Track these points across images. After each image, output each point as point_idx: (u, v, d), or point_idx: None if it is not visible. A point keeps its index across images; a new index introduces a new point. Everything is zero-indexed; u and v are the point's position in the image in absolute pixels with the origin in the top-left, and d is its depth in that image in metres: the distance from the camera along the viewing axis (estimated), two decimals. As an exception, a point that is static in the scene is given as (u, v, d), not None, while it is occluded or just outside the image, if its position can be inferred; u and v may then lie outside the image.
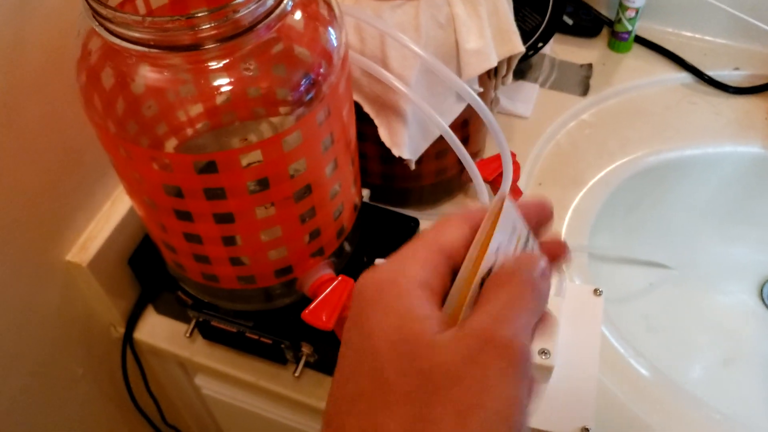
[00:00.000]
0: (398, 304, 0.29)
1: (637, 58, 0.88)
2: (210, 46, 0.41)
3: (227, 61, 0.43)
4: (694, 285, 0.84)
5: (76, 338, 0.66)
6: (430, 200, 0.73)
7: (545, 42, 0.81)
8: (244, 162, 0.44)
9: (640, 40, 0.89)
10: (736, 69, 0.86)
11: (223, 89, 0.44)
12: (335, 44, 0.48)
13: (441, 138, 0.62)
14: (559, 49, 0.89)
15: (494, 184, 0.66)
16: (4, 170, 0.52)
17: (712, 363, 0.80)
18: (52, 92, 0.53)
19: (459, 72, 0.57)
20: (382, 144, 0.60)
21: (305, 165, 0.47)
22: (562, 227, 0.73)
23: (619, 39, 0.88)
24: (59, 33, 0.52)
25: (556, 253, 0.37)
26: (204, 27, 0.39)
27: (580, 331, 0.58)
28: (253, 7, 0.40)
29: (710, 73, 0.85)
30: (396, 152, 0.59)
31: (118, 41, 0.40)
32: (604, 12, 0.90)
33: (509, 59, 0.62)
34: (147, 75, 0.42)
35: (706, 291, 0.84)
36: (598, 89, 0.85)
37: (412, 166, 0.62)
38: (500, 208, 0.33)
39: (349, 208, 0.56)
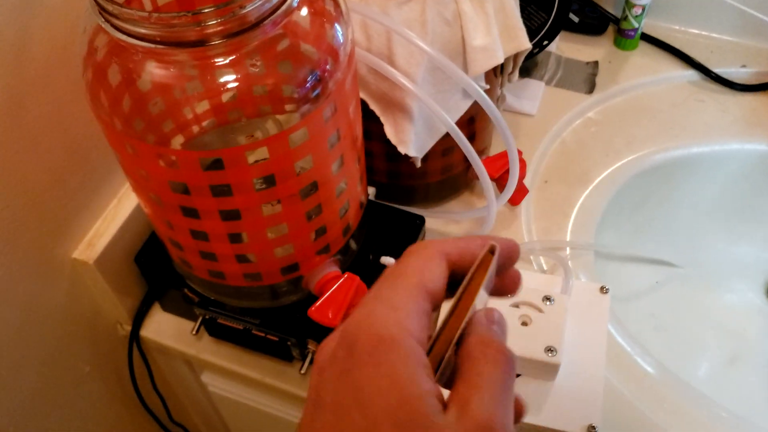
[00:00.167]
0: (401, 372, 0.27)
1: (643, 56, 0.88)
2: (216, 42, 0.41)
3: (233, 57, 0.43)
4: (701, 283, 0.84)
5: (82, 336, 0.67)
6: (436, 198, 0.73)
7: (551, 40, 0.80)
8: (251, 159, 0.44)
9: (647, 38, 0.89)
10: (743, 66, 0.86)
11: (229, 86, 0.44)
12: (341, 41, 0.47)
13: (447, 135, 0.62)
14: (564, 46, 0.89)
15: (500, 181, 0.66)
16: (11, 168, 0.52)
17: (718, 361, 0.80)
18: (57, 89, 0.53)
19: (465, 69, 0.57)
20: (388, 142, 0.60)
21: (311, 162, 0.47)
22: (568, 225, 0.73)
23: (625, 36, 0.87)
24: (65, 30, 0.52)
25: (513, 287, 0.37)
26: (210, 23, 0.39)
27: (586, 328, 0.58)
28: (259, 3, 0.40)
29: (717, 70, 0.85)
30: (402, 150, 0.59)
31: (124, 37, 0.40)
32: (610, 9, 0.90)
33: (516, 56, 0.62)
34: (153, 71, 0.42)
35: (713, 289, 0.84)
36: (604, 87, 0.85)
37: (418, 164, 0.62)
38: (490, 261, 0.32)
39: (355, 205, 0.56)
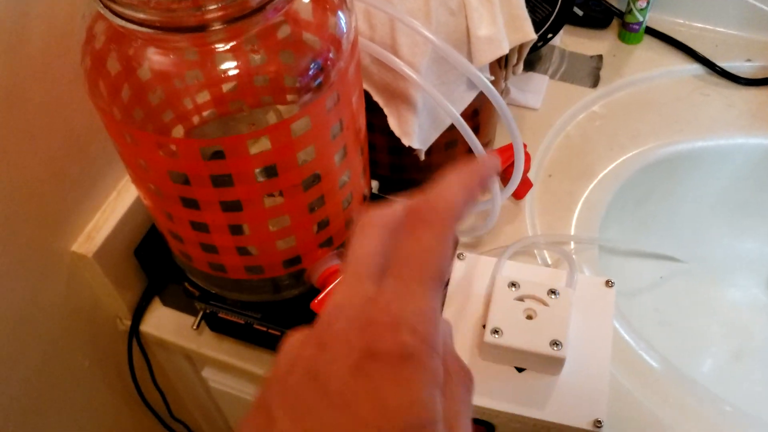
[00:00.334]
0: (423, 396, 0.26)
1: (647, 50, 0.87)
2: (216, 27, 0.40)
3: (234, 43, 0.42)
4: (705, 278, 0.83)
5: (82, 330, 0.66)
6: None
7: (555, 33, 0.80)
8: (252, 149, 0.44)
9: (651, 32, 0.88)
10: (749, 60, 0.85)
11: (229, 73, 0.44)
12: (344, 30, 0.47)
13: (451, 128, 0.62)
14: (568, 40, 0.88)
15: (504, 175, 0.65)
16: (9, 159, 0.51)
17: (723, 356, 0.79)
18: (56, 79, 0.53)
19: (470, 60, 0.56)
20: (391, 134, 0.59)
21: (314, 152, 0.46)
22: (572, 219, 0.72)
23: (629, 30, 0.87)
24: (64, 18, 0.51)
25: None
26: (210, 8, 0.38)
27: (591, 323, 0.57)
28: (260, -12, 0.39)
29: (722, 64, 0.84)
30: (406, 142, 0.58)
31: (123, 23, 0.39)
32: (614, 3, 0.89)
33: (520, 48, 0.61)
34: (153, 58, 0.42)
35: (717, 284, 0.83)
36: (608, 81, 0.84)
37: (422, 157, 0.61)
38: None
39: (357, 198, 0.55)
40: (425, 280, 0.27)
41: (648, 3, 0.83)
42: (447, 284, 0.65)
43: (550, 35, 0.79)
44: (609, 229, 0.74)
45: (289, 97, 0.51)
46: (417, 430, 0.24)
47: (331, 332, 0.27)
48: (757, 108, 0.81)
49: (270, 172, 0.45)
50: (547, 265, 0.68)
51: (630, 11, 0.85)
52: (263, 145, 0.44)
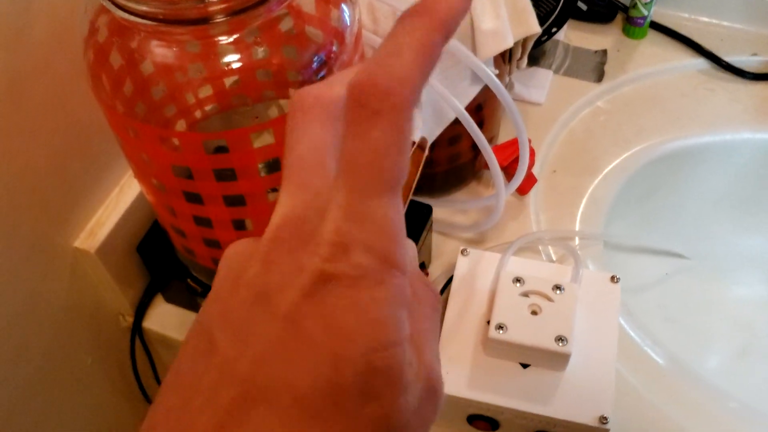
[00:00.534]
0: (385, 316, 0.23)
1: (652, 44, 0.87)
2: (219, 19, 0.40)
3: (236, 36, 0.42)
4: (710, 275, 0.82)
5: (84, 327, 0.66)
6: (442, 188, 0.72)
7: (559, 27, 0.79)
8: (256, 143, 0.43)
9: (656, 26, 0.87)
10: (754, 55, 0.85)
11: (231, 66, 0.43)
12: (348, 23, 0.46)
13: (454, 123, 0.61)
14: (572, 35, 0.88)
15: (509, 170, 0.65)
16: (11, 153, 0.51)
17: (728, 353, 0.79)
18: (59, 73, 0.52)
19: (474, 53, 0.56)
20: (395, 129, 0.58)
21: (318, 146, 0.46)
22: (577, 215, 0.71)
23: (634, 25, 0.86)
24: (67, 11, 0.51)
25: None
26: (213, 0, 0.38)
27: (597, 318, 0.57)
28: (263, -20, 0.39)
29: (727, 59, 0.84)
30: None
31: (126, 15, 0.39)
32: (618, -3, 0.89)
33: (525, 41, 0.61)
34: (155, 51, 0.41)
35: (722, 281, 0.83)
36: (613, 76, 0.84)
37: (426, 152, 0.61)
38: (421, 159, 0.29)
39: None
40: (378, 189, 0.22)
41: (652, -3, 0.83)
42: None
43: (554, 29, 0.79)
44: (614, 225, 0.73)
45: (292, 92, 0.51)
46: (379, 352, 0.22)
47: (279, 250, 0.23)
48: (762, 103, 0.81)
49: (274, 166, 0.45)
50: (552, 261, 0.67)
51: (634, 5, 0.85)
52: (267, 138, 0.43)
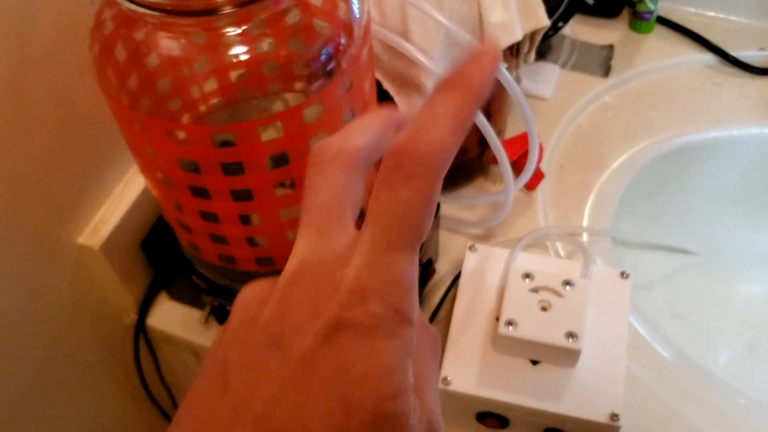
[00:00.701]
0: (394, 366, 0.24)
1: (659, 39, 0.86)
2: (226, 11, 0.39)
3: (242, 28, 0.41)
4: (719, 271, 0.82)
5: (87, 325, 0.65)
6: (449, 184, 0.71)
7: (566, 22, 0.79)
8: (263, 136, 0.43)
9: (662, 21, 0.87)
10: (762, 49, 0.84)
11: (238, 58, 0.43)
12: (357, 14, 0.46)
13: (462, 117, 0.61)
14: (579, 29, 0.87)
15: (517, 165, 0.64)
16: (16, 148, 0.50)
17: (738, 350, 0.78)
18: (64, 68, 0.52)
19: (482, 46, 0.55)
20: (401, 124, 0.58)
21: (326, 140, 0.45)
22: (585, 211, 0.71)
23: (640, 19, 0.86)
24: (71, 6, 0.50)
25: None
26: (221, -10, 0.37)
27: (606, 314, 0.56)
28: (271, -29, 0.39)
29: (734, 53, 0.83)
30: (417, 130, 0.57)
31: (132, 6, 0.38)
32: (624, -8, 0.88)
33: (533, 35, 0.60)
34: (161, 43, 0.41)
35: (731, 277, 0.83)
36: (619, 71, 0.83)
37: (433, 146, 0.60)
38: None
39: (369, 188, 0.54)
40: (402, 244, 0.23)
41: (659, -8, 0.82)
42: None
43: (560, 24, 0.78)
44: (622, 220, 0.73)
45: (298, 86, 0.50)
46: (388, 400, 0.23)
47: (295, 294, 0.24)
48: (770, 97, 0.80)
49: (281, 160, 0.44)
50: (560, 257, 0.67)
51: (641, 0, 0.84)
52: (274, 132, 0.43)
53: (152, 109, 0.45)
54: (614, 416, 0.51)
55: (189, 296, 0.65)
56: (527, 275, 0.55)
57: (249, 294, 0.26)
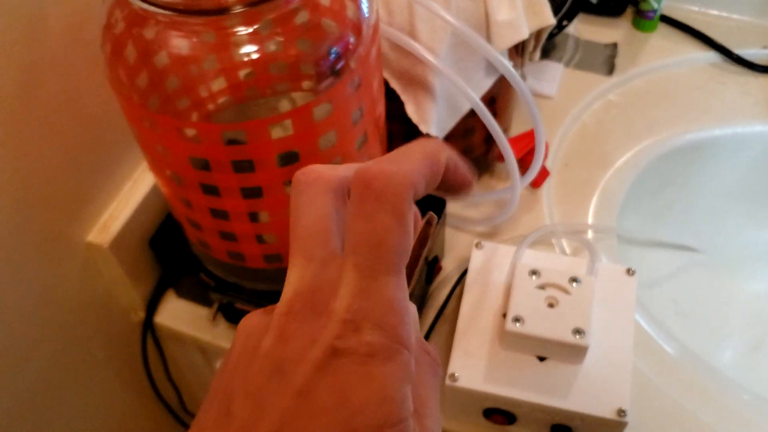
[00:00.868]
0: (393, 391, 0.25)
1: (663, 38, 0.86)
2: (236, 10, 0.39)
3: (252, 28, 0.41)
4: (723, 269, 0.82)
5: (95, 322, 0.65)
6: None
7: (570, 21, 0.79)
8: (274, 134, 0.43)
9: (666, 19, 0.87)
10: (765, 47, 0.84)
11: (249, 57, 0.43)
12: (366, 14, 0.46)
13: (467, 116, 0.61)
14: (583, 28, 0.87)
15: (522, 163, 0.65)
16: (26, 147, 0.51)
17: (742, 347, 0.78)
18: (74, 67, 0.52)
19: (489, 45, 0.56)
20: (407, 122, 0.58)
21: (335, 138, 0.46)
22: (590, 209, 0.71)
23: (644, 18, 0.86)
24: (82, 5, 0.51)
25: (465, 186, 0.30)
26: (232, -10, 0.38)
27: (613, 311, 0.57)
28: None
29: (738, 51, 0.83)
30: (424, 129, 0.57)
31: (143, 5, 0.39)
32: (628, -9, 0.88)
33: (538, 34, 0.61)
34: (171, 42, 0.41)
35: (735, 275, 0.83)
36: (623, 69, 0.83)
37: (439, 144, 0.60)
38: (428, 233, 0.30)
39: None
40: (384, 269, 0.24)
41: (663, -10, 0.83)
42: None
43: (564, 22, 0.79)
44: (626, 218, 0.73)
45: (305, 85, 0.50)
46: (389, 428, 0.23)
47: (293, 323, 0.25)
48: (774, 95, 0.80)
49: (291, 157, 0.44)
50: (566, 255, 0.67)
51: (645, -1, 0.84)
52: (284, 130, 0.43)
53: (162, 108, 0.46)
54: (621, 412, 0.51)
55: (196, 294, 0.65)
56: (534, 272, 0.55)
57: (249, 324, 0.27)
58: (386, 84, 0.57)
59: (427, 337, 0.62)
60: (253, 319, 0.27)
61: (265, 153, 0.43)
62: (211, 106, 0.51)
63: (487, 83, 0.59)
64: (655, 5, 0.84)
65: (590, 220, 0.70)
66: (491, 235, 0.69)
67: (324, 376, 0.23)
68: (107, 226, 0.59)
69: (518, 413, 0.54)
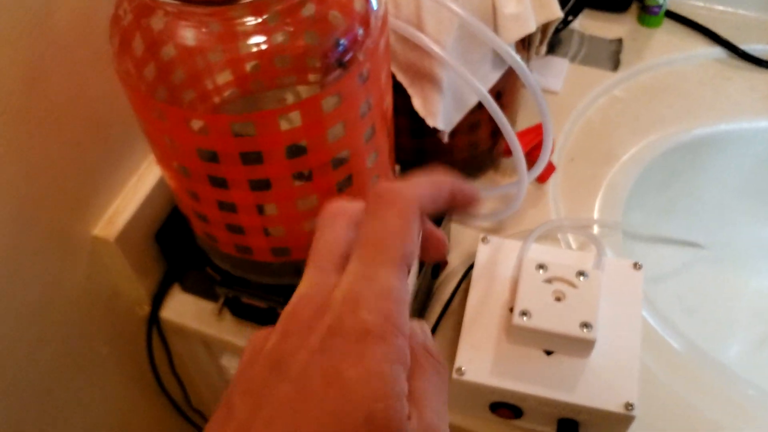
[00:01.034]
0: (385, 370, 0.25)
1: (668, 33, 0.86)
2: (244, 1, 0.39)
3: (260, 19, 0.41)
4: (729, 265, 0.82)
5: (101, 316, 0.65)
6: (461, 177, 0.72)
7: (575, 16, 0.79)
8: (283, 126, 0.43)
9: (671, 15, 0.87)
10: (771, 43, 0.84)
11: (255, 49, 0.43)
12: (374, 6, 0.46)
13: (474, 110, 0.61)
14: (587, 24, 0.87)
15: (529, 157, 0.65)
16: (33, 141, 0.51)
17: (748, 343, 0.78)
18: (80, 61, 0.52)
19: (496, 38, 0.56)
20: (414, 116, 0.58)
21: (343, 130, 0.45)
22: (596, 204, 0.71)
23: (649, 13, 0.86)
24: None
25: (439, 251, 0.34)
26: (240, -20, 0.38)
27: (620, 305, 0.57)
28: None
29: (744, 47, 0.83)
30: (430, 122, 0.57)
31: (152, -4, 0.39)
32: (633, -14, 0.88)
33: (545, 28, 0.61)
34: (178, 32, 0.41)
35: (741, 271, 0.83)
36: (629, 64, 0.83)
37: (445, 139, 0.60)
38: None
39: (384, 179, 0.55)
40: (387, 261, 0.26)
41: (669, -15, 0.83)
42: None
43: (570, 18, 0.79)
44: (631, 214, 0.73)
45: (311, 77, 0.50)
46: (379, 402, 0.24)
47: (294, 321, 0.26)
48: (780, 91, 0.80)
49: (299, 149, 0.44)
50: (572, 249, 0.67)
51: (650, -6, 0.84)
52: (292, 122, 0.43)
53: (169, 99, 0.46)
54: (629, 406, 0.51)
55: (202, 288, 0.65)
56: (541, 266, 0.55)
57: (255, 335, 0.28)
58: (392, 78, 0.57)
59: (433, 331, 0.62)
60: (260, 332, 0.28)
61: (274, 144, 0.43)
62: (217, 99, 0.51)
63: (493, 77, 0.59)
64: (661, 1, 0.84)
65: (596, 215, 0.70)
66: (496, 230, 0.69)
67: (318, 357, 0.25)
68: (113, 220, 0.59)
69: (525, 407, 0.54)
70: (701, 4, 0.88)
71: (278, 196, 0.47)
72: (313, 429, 0.24)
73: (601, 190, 0.72)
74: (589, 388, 0.52)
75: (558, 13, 0.57)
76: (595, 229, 0.69)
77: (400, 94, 0.57)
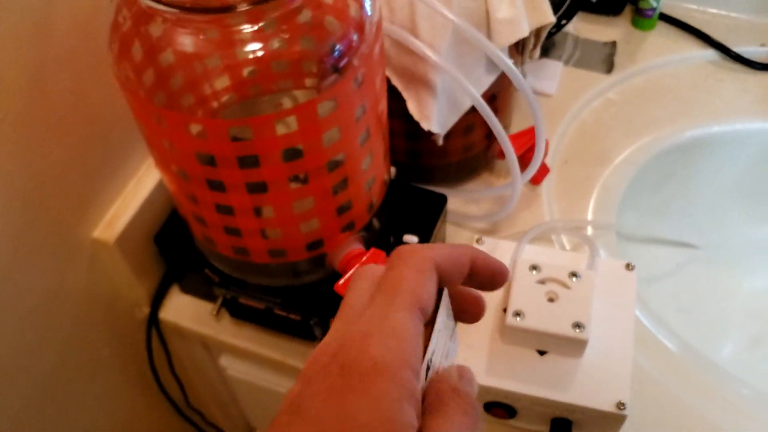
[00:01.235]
0: (391, 404, 0.26)
1: (661, 36, 0.87)
2: (241, 8, 0.40)
3: (257, 26, 0.42)
4: (722, 265, 0.83)
5: (101, 318, 0.66)
6: (455, 178, 0.72)
7: (569, 19, 0.80)
8: (279, 130, 0.44)
9: (664, 18, 0.88)
10: (763, 45, 0.85)
11: (253, 55, 0.44)
12: (369, 12, 0.47)
13: (468, 113, 0.62)
14: (581, 27, 0.88)
15: (522, 160, 0.65)
16: (31, 145, 0.51)
17: (742, 343, 0.79)
18: (80, 65, 0.53)
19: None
20: (409, 119, 0.59)
21: (339, 134, 0.46)
22: (589, 205, 0.72)
23: (643, 16, 0.86)
24: (89, 4, 0.51)
25: (476, 310, 0.36)
26: (238, -12, 0.38)
27: (613, 305, 0.57)
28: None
29: (736, 49, 0.84)
30: (425, 125, 0.58)
31: (150, 3, 0.39)
32: (627, -11, 0.89)
33: (538, 31, 0.61)
34: (177, 39, 0.42)
35: (734, 271, 0.83)
36: (622, 67, 0.84)
37: (440, 141, 0.61)
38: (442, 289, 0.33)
39: (379, 182, 0.55)
40: (399, 304, 0.29)
41: (662, -11, 0.83)
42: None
43: (563, 21, 0.79)
44: (625, 215, 0.74)
45: (307, 82, 0.51)
46: None
47: (314, 366, 0.29)
48: (772, 93, 0.81)
49: (296, 153, 0.45)
50: (565, 250, 0.68)
51: (644, -3, 0.85)
52: (289, 126, 0.44)
53: (167, 104, 0.46)
54: (621, 405, 0.52)
55: (201, 290, 0.66)
56: (534, 267, 0.55)
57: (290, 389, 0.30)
58: (387, 82, 0.58)
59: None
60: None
61: (270, 149, 0.44)
62: (215, 104, 0.52)
63: (487, 81, 0.60)
64: (654, 3, 0.85)
65: (590, 216, 0.71)
66: (490, 231, 0.70)
67: (331, 399, 0.27)
68: (113, 223, 0.60)
69: (519, 407, 0.55)
70: (695, 6, 0.89)
71: (275, 198, 0.47)
72: None
73: (594, 191, 0.73)
74: (581, 387, 0.53)
75: (551, 18, 0.58)
76: (589, 231, 0.70)
77: (395, 98, 0.58)
